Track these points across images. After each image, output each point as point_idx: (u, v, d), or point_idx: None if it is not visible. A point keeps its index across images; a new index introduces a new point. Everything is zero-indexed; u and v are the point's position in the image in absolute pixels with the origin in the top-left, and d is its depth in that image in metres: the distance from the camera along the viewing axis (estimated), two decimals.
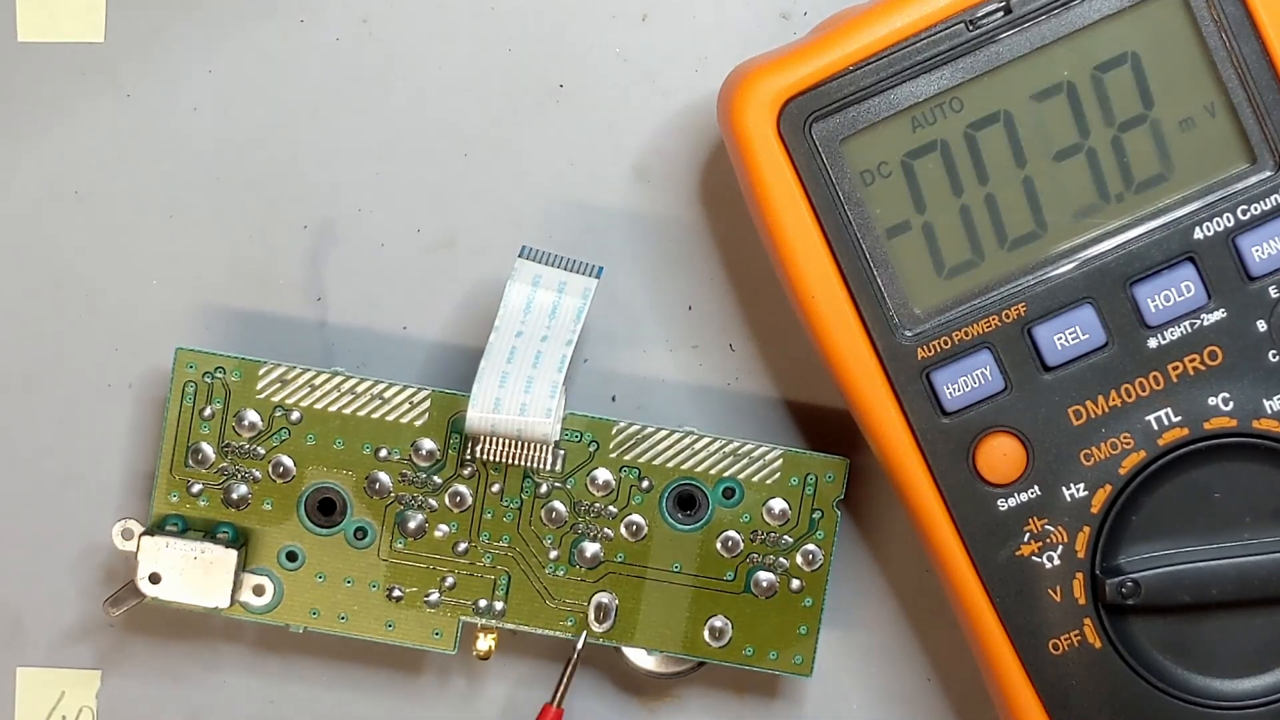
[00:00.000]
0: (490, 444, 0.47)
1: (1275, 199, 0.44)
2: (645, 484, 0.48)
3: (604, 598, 0.48)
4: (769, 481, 0.48)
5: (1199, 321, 0.44)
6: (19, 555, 0.51)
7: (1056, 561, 0.45)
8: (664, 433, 0.48)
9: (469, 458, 0.48)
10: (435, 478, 0.48)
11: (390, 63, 0.50)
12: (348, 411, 0.48)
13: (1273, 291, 0.44)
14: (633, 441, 0.48)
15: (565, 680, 0.48)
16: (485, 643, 0.48)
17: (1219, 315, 0.44)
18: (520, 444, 0.47)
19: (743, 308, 0.50)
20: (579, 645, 0.48)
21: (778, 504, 0.48)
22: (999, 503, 0.45)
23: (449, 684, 0.51)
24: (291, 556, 0.48)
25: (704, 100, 0.49)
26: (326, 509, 0.48)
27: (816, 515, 0.48)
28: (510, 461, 0.47)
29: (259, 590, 0.48)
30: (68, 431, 0.50)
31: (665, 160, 0.49)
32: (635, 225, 0.50)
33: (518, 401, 0.46)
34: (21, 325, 0.50)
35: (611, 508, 0.48)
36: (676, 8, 0.49)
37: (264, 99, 0.50)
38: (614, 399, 0.50)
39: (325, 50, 0.50)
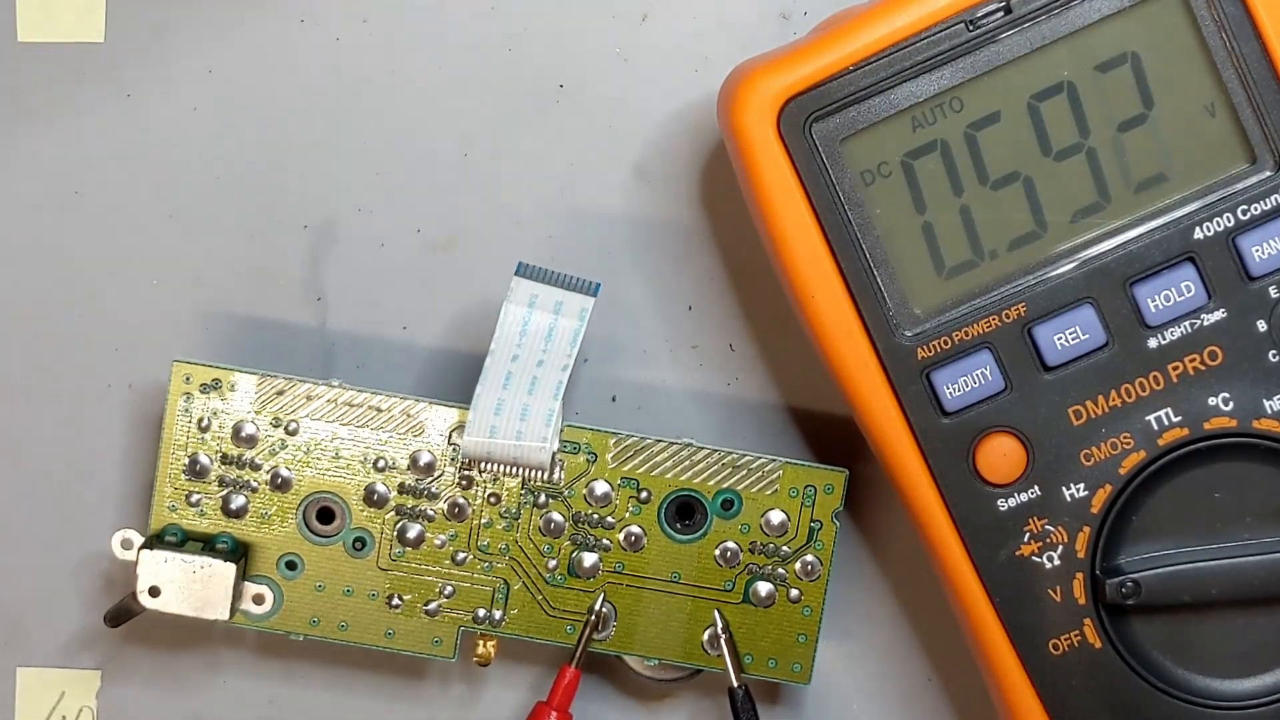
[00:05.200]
0: (487, 466, 0.47)
1: (1275, 199, 0.44)
2: (644, 495, 0.48)
3: (602, 607, 0.48)
4: (768, 493, 0.48)
5: (1199, 321, 0.44)
6: (19, 555, 0.51)
7: (1056, 561, 0.45)
8: (662, 444, 0.48)
9: (467, 468, 0.48)
10: (433, 488, 0.48)
11: (390, 63, 0.50)
12: (345, 422, 0.48)
13: (1273, 291, 0.44)
14: (631, 453, 0.48)
15: (582, 642, 0.48)
16: (485, 648, 0.48)
17: (1219, 315, 0.44)
18: (516, 468, 0.47)
19: (743, 308, 0.50)
20: (597, 606, 0.48)
21: (776, 515, 0.47)
22: (999, 503, 0.45)
23: (450, 688, 0.51)
24: (291, 565, 0.48)
25: (704, 100, 0.49)
26: (325, 518, 0.48)
27: (815, 526, 0.48)
28: (509, 474, 0.47)
29: (259, 599, 0.48)
30: (68, 431, 0.50)
31: (665, 160, 0.49)
32: (635, 225, 0.50)
33: (513, 429, 0.46)
34: (21, 325, 0.50)
35: (610, 518, 0.48)
36: (676, 8, 0.49)
37: (264, 99, 0.50)
38: (614, 399, 0.50)
39: (325, 50, 0.50)
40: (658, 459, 0.48)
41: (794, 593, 0.48)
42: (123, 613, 0.48)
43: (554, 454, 0.47)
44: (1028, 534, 0.45)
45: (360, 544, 0.48)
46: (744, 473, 0.48)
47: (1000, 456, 0.45)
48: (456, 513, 0.48)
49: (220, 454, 0.48)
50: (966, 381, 0.45)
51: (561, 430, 0.47)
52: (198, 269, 0.50)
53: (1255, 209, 0.44)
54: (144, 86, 0.50)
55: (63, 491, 0.51)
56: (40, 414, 0.50)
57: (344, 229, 0.50)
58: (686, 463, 0.48)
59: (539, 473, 0.47)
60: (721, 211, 0.49)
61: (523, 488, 0.48)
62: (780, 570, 0.48)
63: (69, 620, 0.51)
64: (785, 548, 0.48)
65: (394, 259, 0.50)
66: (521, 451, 0.46)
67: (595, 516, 0.48)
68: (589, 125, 0.49)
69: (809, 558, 0.48)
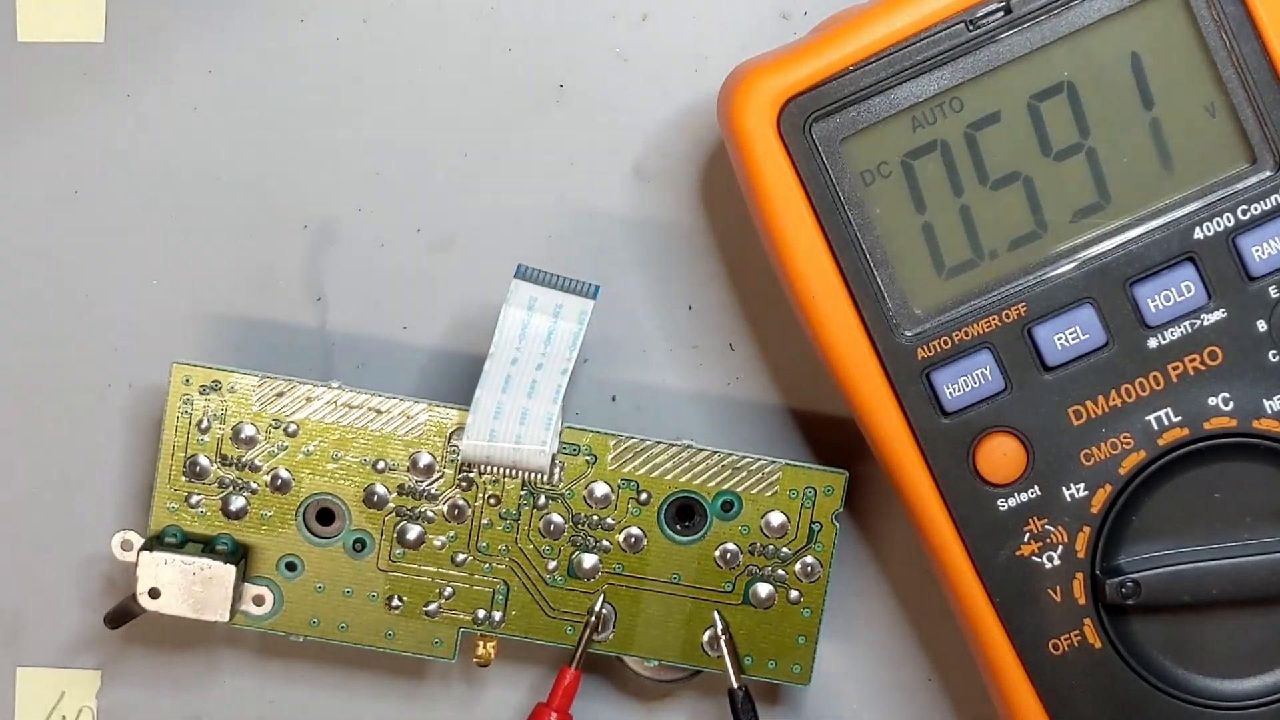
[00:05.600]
0: (486, 469, 0.47)
1: (1275, 199, 0.44)
2: (643, 496, 0.48)
3: (602, 608, 0.48)
4: (768, 494, 0.48)
5: (1199, 321, 0.44)
6: (19, 555, 0.51)
7: (1056, 561, 0.45)
8: (662, 445, 0.47)
9: (466, 470, 0.47)
10: (433, 489, 0.48)
11: (390, 63, 0.50)
12: (345, 424, 0.48)
13: (1273, 291, 0.44)
14: (631, 454, 0.48)
15: (582, 643, 0.48)
16: (485, 649, 0.48)
17: (1219, 315, 0.44)
18: (516, 471, 0.47)
19: (743, 308, 0.50)
20: (597, 607, 0.48)
21: (776, 517, 0.47)
22: (999, 503, 0.45)
23: (450, 688, 0.51)
24: (291, 567, 0.48)
25: (704, 100, 0.49)
26: (325, 519, 0.48)
27: (815, 528, 0.48)
28: (508, 476, 0.47)
29: (259, 600, 0.48)
30: (68, 431, 0.50)
31: (665, 160, 0.49)
32: (635, 225, 0.50)
33: (513, 433, 0.46)
34: (21, 325, 0.50)
35: (609, 520, 0.48)
36: (676, 8, 0.49)
37: (264, 99, 0.50)
38: (614, 399, 0.50)
39: (325, 50, 0.50)
40: (657, 460, 0.48)
41: (794, 594, 0.48)
42: (122, 614, 0.48)
43: (554, 456, 0.47)
44: (1028, 534, 0.45)
45: (360, 545, 0.48)
46: (744, 474, 0.48)
47: (1000, 456, 0.45)
48: (456, 514, 0.48)
49: (220, 455, 0.48)
50: (966, 381, 0.45)
51: (561, 432, 0.47)
52: (197, 269, 0.50)
53: (1255, 209, 0.44)
54: (144, 86, 0.50)
55: (63, 491, 0.51)
56: (40, 414, 0.50)
57: (344, 229, 0.50)
58: (686, 464, 0.48)
59: (539, 475, 0.47)
60: (721, 211, 0.49)
61: (522, 489, 0.48)
62: (780, 571, 0.48)
63: (69, 620, 0.51)
64: (785, 549, 0.48)
65: (394, 259, 0.50)
66: (520, 455, 0.46)
67: (595, 518, 0.48)
68: (589, 125, 0.49)
69: (809, 559, 0.48)
